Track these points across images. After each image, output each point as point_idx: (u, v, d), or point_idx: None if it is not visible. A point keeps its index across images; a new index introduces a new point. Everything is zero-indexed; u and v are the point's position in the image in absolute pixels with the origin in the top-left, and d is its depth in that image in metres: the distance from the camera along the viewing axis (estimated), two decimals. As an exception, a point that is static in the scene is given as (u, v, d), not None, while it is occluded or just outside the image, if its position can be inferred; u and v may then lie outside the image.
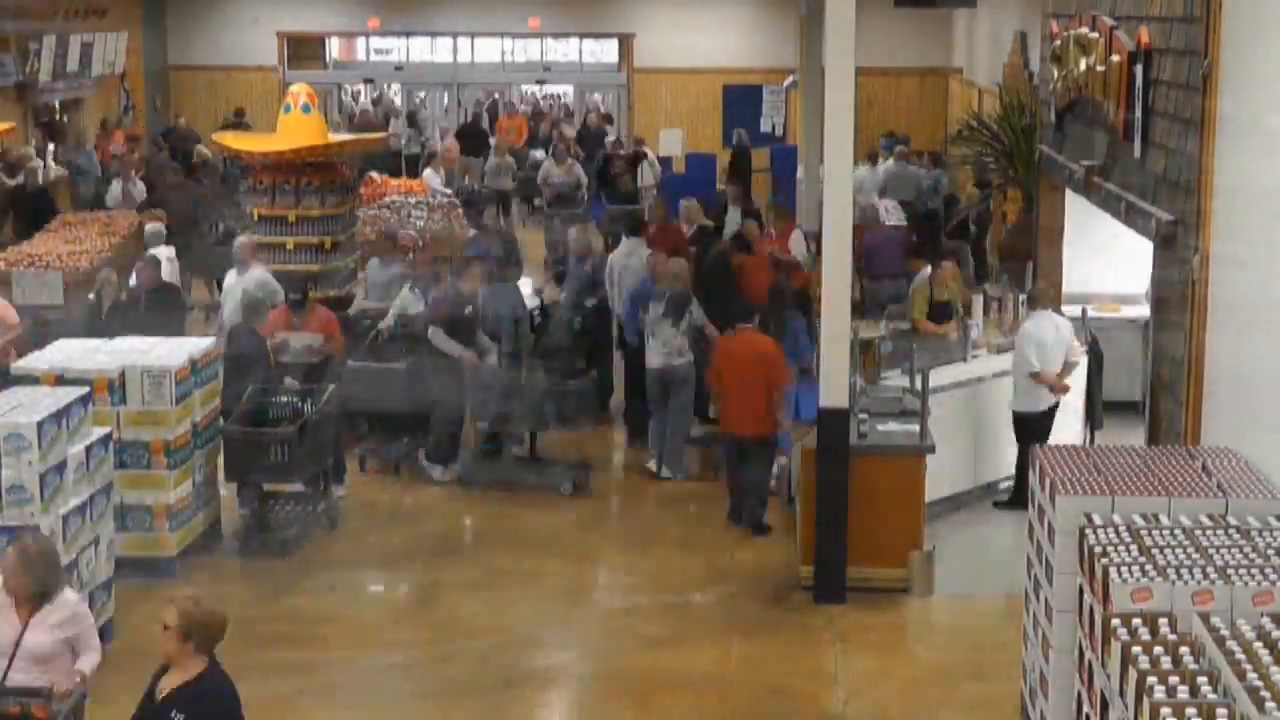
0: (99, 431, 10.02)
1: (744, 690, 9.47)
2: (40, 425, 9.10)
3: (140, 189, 21.28)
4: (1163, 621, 6.24)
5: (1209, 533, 7.04)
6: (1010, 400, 12.34)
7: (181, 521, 11.17)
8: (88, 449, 9.71)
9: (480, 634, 10.29)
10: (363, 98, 34.61)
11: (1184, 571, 6.53)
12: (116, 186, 21.44)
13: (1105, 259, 15.19)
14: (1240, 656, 5.71)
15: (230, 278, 14.58)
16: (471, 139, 27.98)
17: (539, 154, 27.59)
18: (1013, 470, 12.50)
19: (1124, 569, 6.58)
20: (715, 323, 13.35)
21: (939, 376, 12.08)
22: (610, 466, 14.04)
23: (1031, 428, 12.05)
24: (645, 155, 25.18)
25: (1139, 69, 11.56)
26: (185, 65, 30.35)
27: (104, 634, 9.79)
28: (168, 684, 6.33)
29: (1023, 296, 14.08)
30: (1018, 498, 11.58)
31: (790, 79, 26.54)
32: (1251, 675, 5.53)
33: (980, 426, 12.47)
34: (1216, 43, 9.81)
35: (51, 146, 25.66)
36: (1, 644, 7.12)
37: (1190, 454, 8.33)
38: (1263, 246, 9.04)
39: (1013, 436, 12.38)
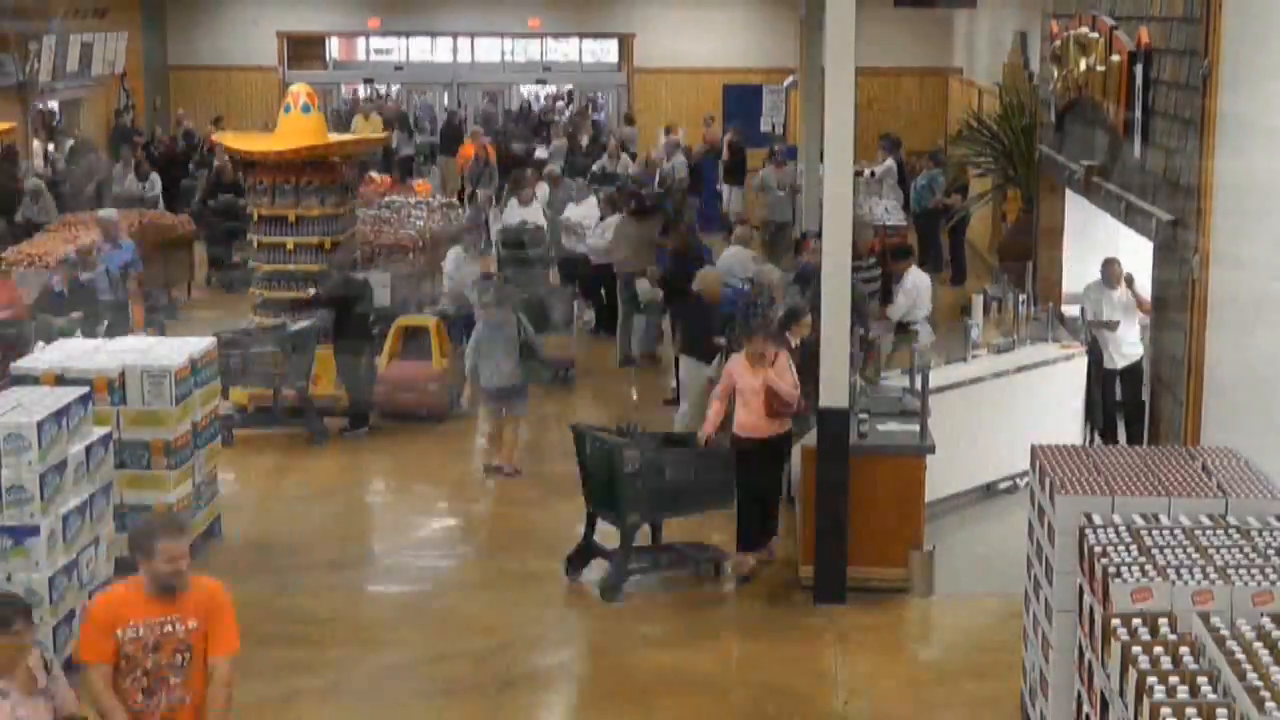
0: (99, 431, 10.01)
1: (744, 690, 9.47)
2: (40, 425, 9.10)
3: None
4: (1163, 621, 6.24)
5: (1209, 533, 7.04)
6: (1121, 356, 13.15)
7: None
8: (88, 449, 9.71)
9: (480, 634, 10.29)
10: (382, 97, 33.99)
11: (1184, 571, 6.53)
12: None
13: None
14: (1240, 656, 5.71)
15: None
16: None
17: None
18: (1013, 469, 12.53)
19: (1124, 569, 6.58)
20: None
21: (939, 376, 12.08)
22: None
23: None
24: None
25: (1139, 69, 11.57)
26: (185, 65, 30.36)
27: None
28: None
29: (1021, 297, 14.08)
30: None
31: (790, 79, 26.53)
32: (1251, 675, 5.53)
33: (980, 426, 12.47)
34: (1216, 43, 9.82)
35: (51, 147, 25.68)
36: None
37: (1190, 454, 8.33)
38: (1262, 246, 9.05)
39: (1009, 435, 12.38)
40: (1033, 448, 8.45)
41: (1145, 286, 12.68)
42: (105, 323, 14.41)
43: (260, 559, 11.55)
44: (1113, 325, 13.02)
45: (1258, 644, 5.81)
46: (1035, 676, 8.13)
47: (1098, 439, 13.20)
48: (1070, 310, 14.45)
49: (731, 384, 11.08)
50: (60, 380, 10.48)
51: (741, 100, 29.42)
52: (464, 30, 31.77)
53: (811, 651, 9.98)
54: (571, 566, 11.09)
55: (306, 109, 15.63)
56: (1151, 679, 5.66)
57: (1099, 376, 13.28)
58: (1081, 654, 7.05)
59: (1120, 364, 13.08)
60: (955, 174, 21.81)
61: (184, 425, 11.16)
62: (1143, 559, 6.70)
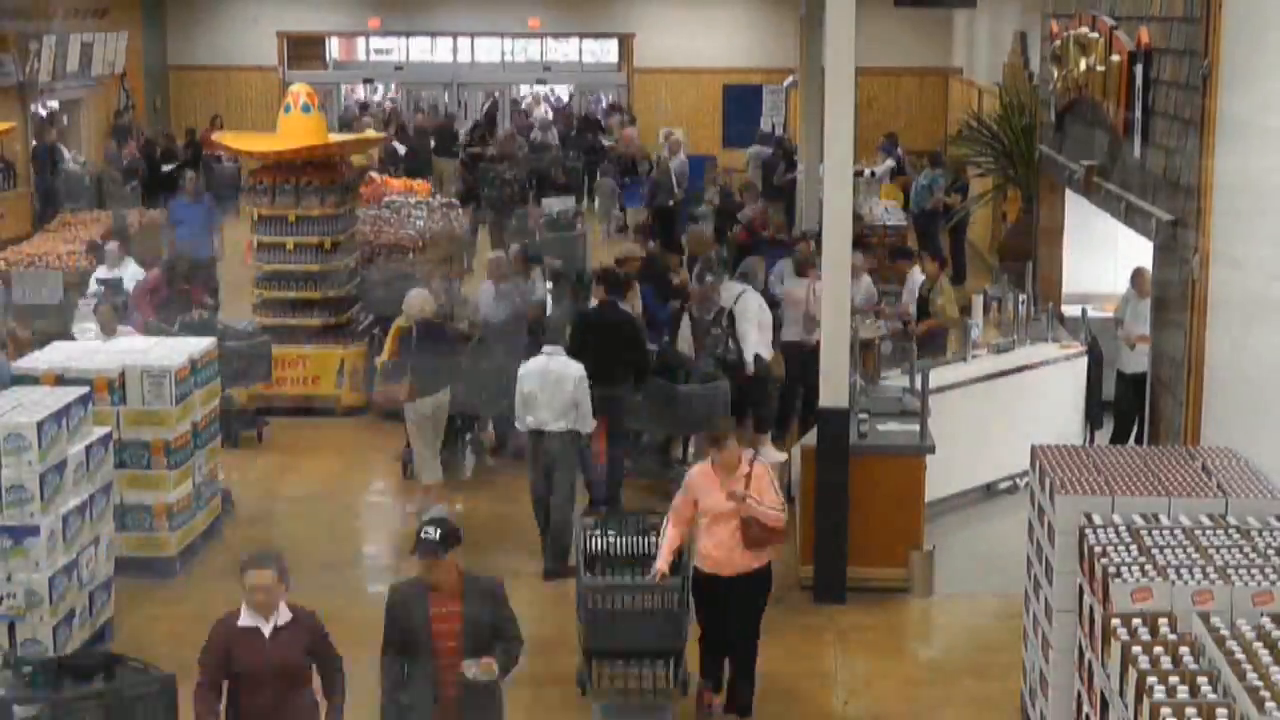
0: (99, 431, 10.01)
1: (744, 690, 9.45)
2: (40, 425, 9.10)
3: None
4: (1163, 621, 6.25)
5: (1209, 533, 7.04)
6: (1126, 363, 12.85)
7: (181, 521, 11.17)
8: (88, 449, 9.71)
9: (480, 634, 10.26)
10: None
11: (1184, 571, 6.53)
12: None
13: (1105, 259, 15.19)
14: (1240, 656, 5.72)
15: None
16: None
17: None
18: (1013, 469, 12.52)
19: (1124, 569, 6.58)
20: None
21: (939, 376, 12.08)
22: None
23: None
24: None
25: (1139, 69, 11.57)
26: (185, 65, 30.37)
27: (103, 634, 9.81)
28: None
29: (1021, 297, 14.07)
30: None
31: (790, 79, 26.54)
32: (1251, 675, 5.53)
33: (980, 426, 12.47)
34: (1216, 43, 9.81)
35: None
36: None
37: (1190, 454, 8.33)
38: (1262, 246, 9.04)
39: (1009, 435, 12.36)
40: (1033, 448, 8.46)
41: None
42: None
43: (260, 559, 11.50)
44: (1148, 339, 12.19)
45: (1258, 644, 5.81)
46: (1035, 676, 8.13)
47: (1098, 439, 13.20)
48: (1070, 310, 14.44)
49: (693, 501, 8.69)
50: (60, 380, 10.48)
51: (741, 100, 29.44)
52: (464, 30, 31.80)
53: (811, 651, 9.98)
54: None
55: (306, 109, 15.63)
56: (1151, 679, 5.66)
57: (1099, 377, 13.26)
58: (1081, 654, 7.05)
59: (1134, 369, 12.67)
60: (955, 174, 21.82)
61: (184, 425, 11.16)
62: (1143, 559, 6.70)
